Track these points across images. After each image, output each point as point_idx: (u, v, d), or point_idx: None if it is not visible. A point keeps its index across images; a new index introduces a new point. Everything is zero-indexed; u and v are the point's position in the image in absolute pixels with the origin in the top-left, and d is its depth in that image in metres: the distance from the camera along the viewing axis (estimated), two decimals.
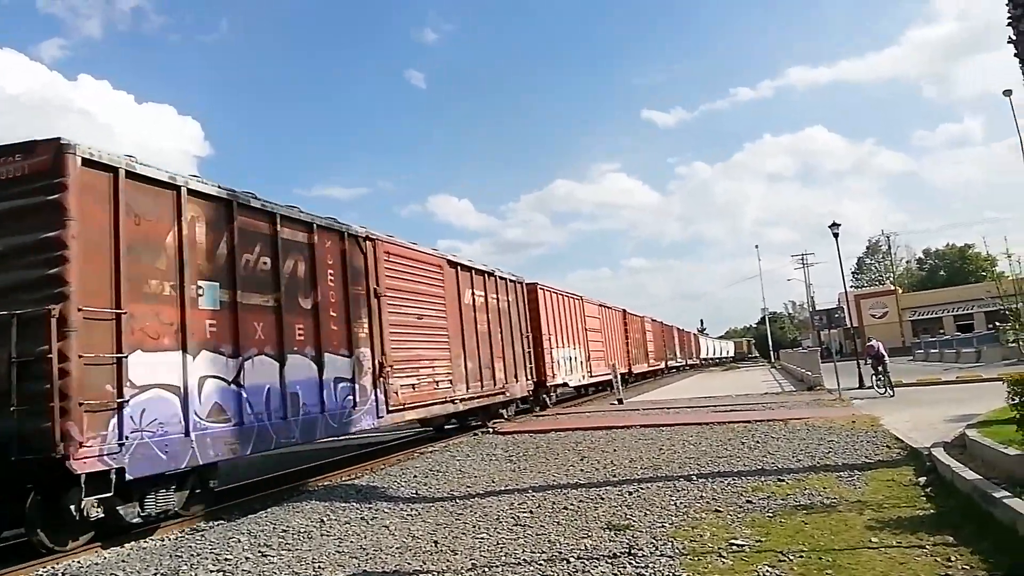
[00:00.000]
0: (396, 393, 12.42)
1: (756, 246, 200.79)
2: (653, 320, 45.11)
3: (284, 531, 7.12)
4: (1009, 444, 6.74)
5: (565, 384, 23.81)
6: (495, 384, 17.16)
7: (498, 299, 18.28)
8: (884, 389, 18.12)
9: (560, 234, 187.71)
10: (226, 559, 6.18)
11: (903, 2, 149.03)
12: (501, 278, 18.94)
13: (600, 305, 30.36)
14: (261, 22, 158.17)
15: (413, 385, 13.11)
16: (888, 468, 8.02)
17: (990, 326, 40.11)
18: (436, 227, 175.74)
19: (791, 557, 4.93)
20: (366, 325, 11.94)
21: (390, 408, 12.15)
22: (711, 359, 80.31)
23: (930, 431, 9.90)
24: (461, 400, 15.14)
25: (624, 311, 35.17)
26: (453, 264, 16.03)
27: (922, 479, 7.24)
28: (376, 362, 11.99)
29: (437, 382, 14.16)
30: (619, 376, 25.17)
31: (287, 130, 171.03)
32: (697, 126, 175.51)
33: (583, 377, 26.10)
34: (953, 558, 4.63)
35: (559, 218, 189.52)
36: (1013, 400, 6.65)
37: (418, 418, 13.85)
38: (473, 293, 16.72)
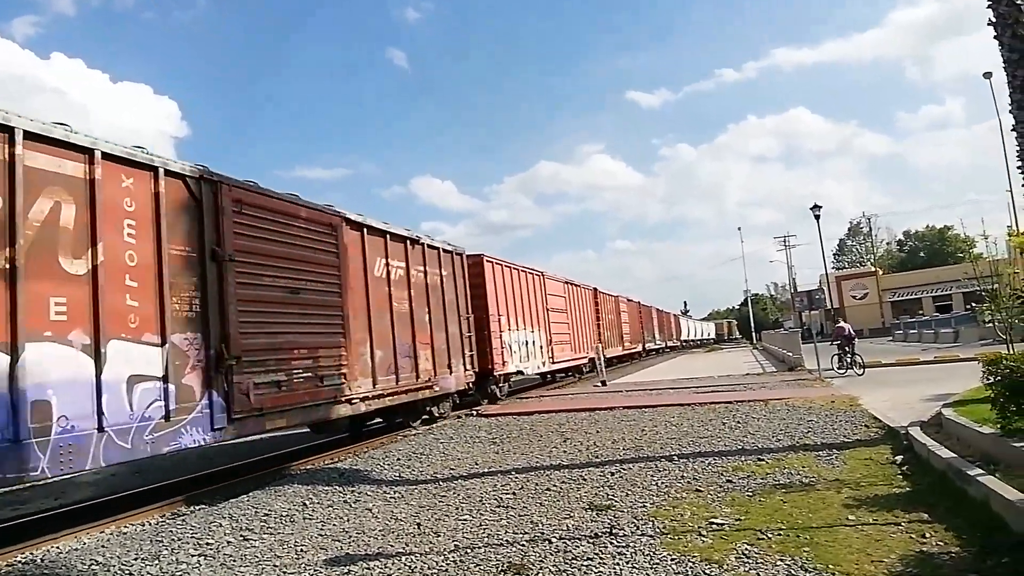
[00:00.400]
0: (248, 394, 9.02)
1: (739, 228, 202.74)
2: (629, 300, 42.17)
3: (266, 515, 7.10)
4: (983, 423, 6.86)
5: (520, 373, 20.84)
6: (417, 377, 13.67)
7: (426, 272, 14.74)
8: (852, 368, 18.96)
9: (545, 216, 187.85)
10: (207, 543, 6.15)
11: None
12: (432, 247, 15.45)
13: (566, 283, 27.32)
14: None
15: (279, 383, 9.68)
16: (865, 447, 8.13)
17: (967, 307, 40.75)
18: (419, 209, 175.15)
19: (769, 535, 5.00)
20: (196, 300, 8.50)
21: (236, 414, 8.75)
22: (692, 341, 79.04)
23: (907, 410, 10.04)
24: (363, 399, 11.53)
25: (595, 290, 32.58)
26: (357, 225, 12.31)
27: (898, 458, 7.35)
28: (212, 352, 8.55)
29: (322, 377, 10.54)
30: (603, 358, 25.32)
31: (267, 110, 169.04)
32: (682, 107, 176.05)
33: (543, 364, 23.15)
34: (928, 534, 4.71)
35: (544, 200, 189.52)
36: (988, 380, 6.75)
37: (288, 425, 10.16)
38: (388, 264, 13.16)
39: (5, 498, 9.50)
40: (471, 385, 16.85)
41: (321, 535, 6.22)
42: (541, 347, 22.86)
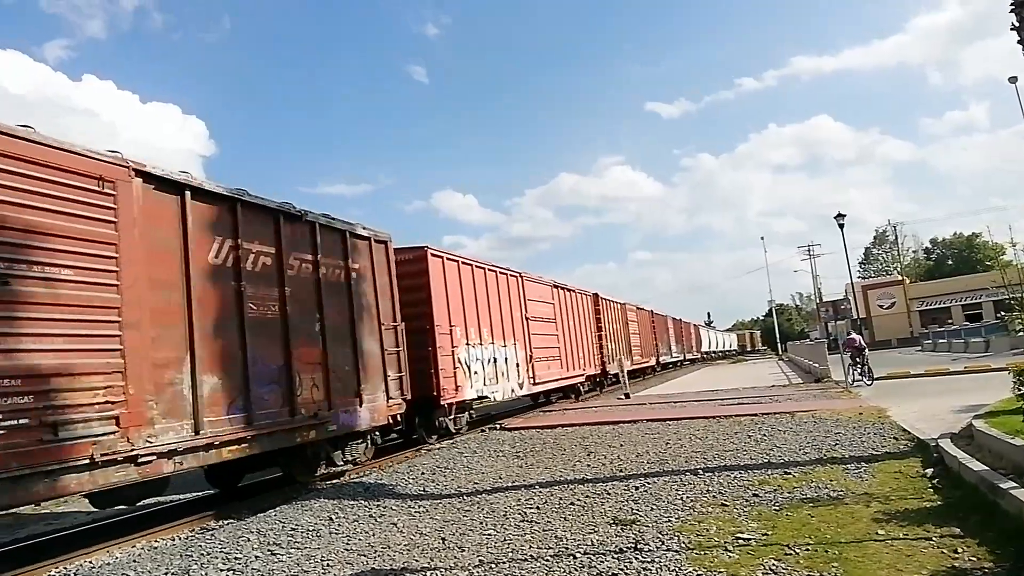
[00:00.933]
0: None
1: (762, 238, 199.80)
2: (640, 309, 37.45)
3: (293, 529, 7.17)
4: (1016, 434, 6.73)
5: (483, 399, 16.53)
6: (293, 412, 9.45)
7: (318, 263, 10.52)
8: (864, 379, 19.21)
9: (566, 228, 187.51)
10: (236, 558, 6.24)
11: None
12: (331, 228, 11.07)
13: (555, 287, 23.09)
14: (263, 19, 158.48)
15: None
16: (895, 460, 8.00)
17: (998, 316, 39.94)
18: (441, 223, 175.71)
19: (797, 551, 4.94)
20: None
21: None
22: (714, 352, 73.82)
23: (937, 422, 9.87)
24: (168, 454, 7.38)
25: (596, 295, 28.18)
26: (167, 184, 8.08)
27: (929, 470, 7.22)
28: None
29: (55, 425, 6.25)
30: (625, 372, 25.20)
31: (291, 127, 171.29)
32: (702, 117, 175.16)
33: (520, 386, 18.67)
34: (960, 549, 4.63)
35: (564, 212, 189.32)
36: (1019, 390, 6.63)
37: None
38: (239, 247, 8.92)
39: (39, 514, 9.70)
40: (400, 418, 12.50)
41: (347, 550, 6.26)
42: (518, 365, 18.60)
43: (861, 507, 6.01)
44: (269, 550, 6.44)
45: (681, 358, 49.87)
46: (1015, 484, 5.47)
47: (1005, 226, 44.76)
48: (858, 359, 19.76)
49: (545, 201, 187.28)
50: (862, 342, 20.68)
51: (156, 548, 7.19)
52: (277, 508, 8.46)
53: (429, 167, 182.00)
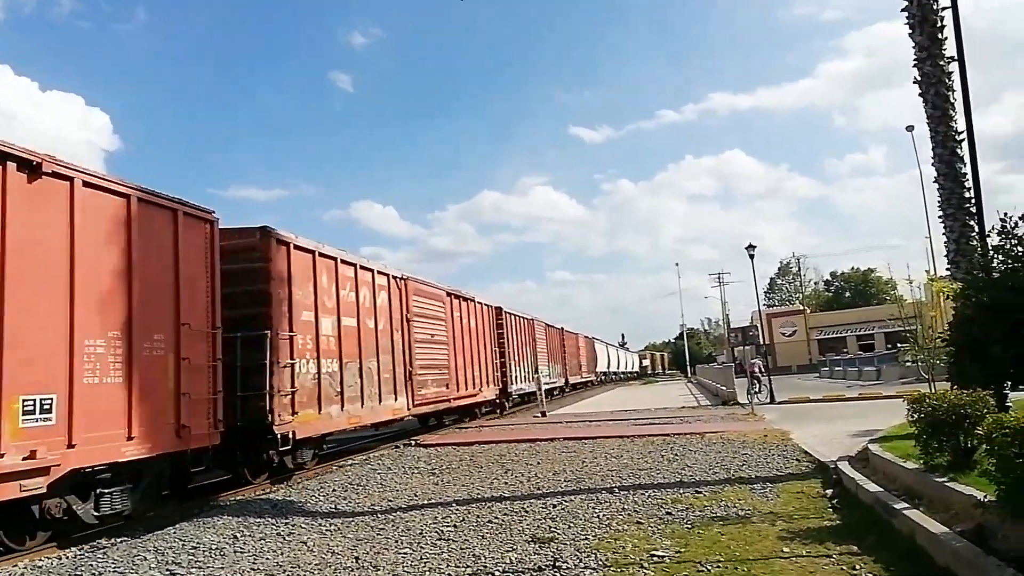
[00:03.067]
0: None
1: (676, 264, 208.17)
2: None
3: (194, 548, 6.79)
4: (908, 458, 7.17)
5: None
6: None
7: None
8: (758, 396, 22.11)
9: (487, 245, 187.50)
10: None
11: (818, 37, 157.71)
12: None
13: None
14: (180, 14, 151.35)
15: None
16: (798, 480, 8.38)
17: (889, 346, 42.71)
18: (360, 233, 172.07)
19: (709, 567, 5.07)
20: None
21: None
22: (612, 374, 63.45)
23: (836, 445, 10.41)
24: None
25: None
26: None
27: (829, 491, 7.60)
28: None
29: None
30: (542, 389, 25.37)
31: (204, 128, 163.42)
32: (623, 144, 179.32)
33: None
34: (858, 566, 4.87)
35: (486, 229, 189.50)
36: (912, 417, 7.08)
37: None
38: None
39: None
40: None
41: (254, 569, 5.98)
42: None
43: (767, 525, 6.24)
44: (168, 570, 6.07)
45: (561, 380, 36.62)
46: (907, 505, 5.83)
47: (900, 263, 48.31)
48: (755, 382, 22.86)
49: (467, 216, 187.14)
50: (760, 368, 24.49)
51: (41, 568, 6.64)
52: (176, 525, 8.00)
53: (349, 177, 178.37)
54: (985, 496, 4.76)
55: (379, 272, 15.54)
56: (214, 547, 6.81)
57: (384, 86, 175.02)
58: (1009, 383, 4.80)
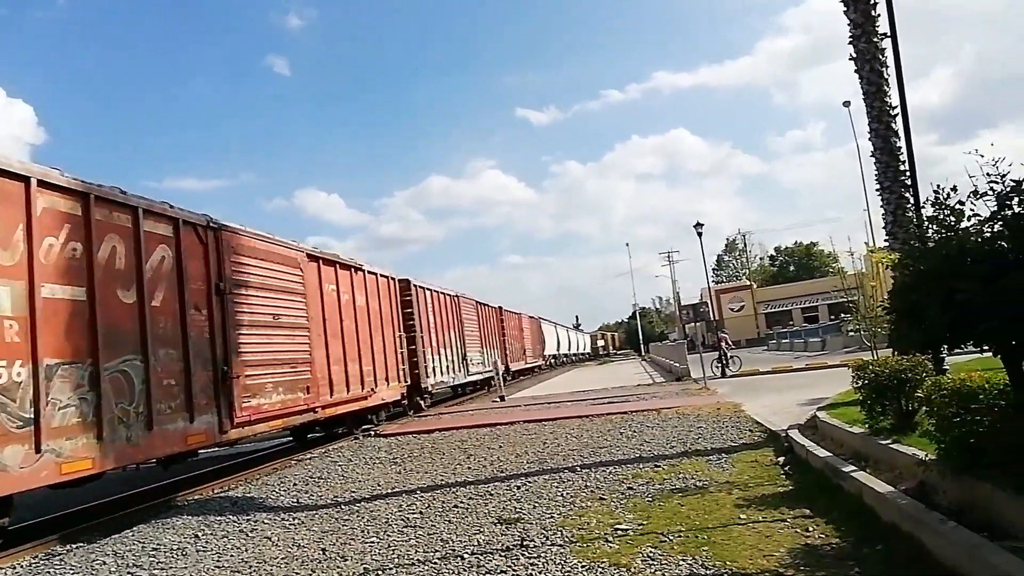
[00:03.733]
0: None
1: (627, 244, 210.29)
2: (482, 304, 29.83)
3: (155, 549, 6.67)
4: (854, 423, 7.49)
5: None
6: None
7: None
8: (733, 369, 23.83)
9: (438, 230, 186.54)
10: None
11: (756, 15, 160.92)
12: None
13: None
14: None
15: None
16: (751, 450, 8.67)
17: (832, 317, 44.24)
18: (305, 222, 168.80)
19: (671, 537, 5.24)
20: None
21: None
22: (563, 356, 59.75)
23: (785, 415, 10.78)
24: None
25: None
26: None
27: (781, 459, 7.89)
28: None
29: None
30: (500, 373, 25.50)
31: (135, 118, 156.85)
32: (570, 126, 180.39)
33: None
34: (811, 528, 5.10)
35: (435, 214, 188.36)
36: (856, 384, 7.39)
37: None
38: None
39: None
40: None
41: (218, 567, 5.91)
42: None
43: (724, 495, 6.46)
44: (129, 572, 5.95)
45: (487, 366, 28.20)
46: (854, 467, 6.10)
47: (841, 235, 50.00)
48: (725, 355, 24.16)
49: (415, 202, 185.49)
50: (729, 341, 26.17)
51: None
52: (134, 528, 7.83)
53: (291, 164, 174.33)
54: (926, 455, 5.02)
55: (148, 212, 9.49)
56: (175, 547, 6.69)
57: (323, 69, 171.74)
58: (945, 347, 5.05)
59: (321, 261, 14.79)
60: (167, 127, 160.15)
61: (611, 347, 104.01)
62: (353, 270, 16.53)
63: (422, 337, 20.48)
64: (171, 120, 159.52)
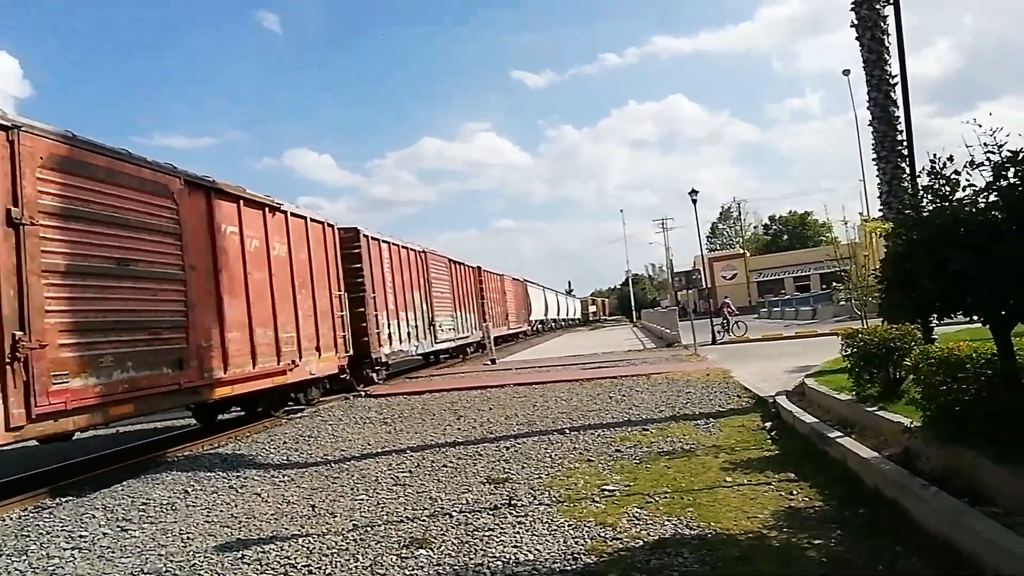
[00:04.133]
0: None
1: (621, 210, 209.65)
2: (455, 261, 26.50)
3: (144, 504, 6.71)
4: (841, 391, 7.55)
5: None
6: None
7: None
8: (738, 333, 24.92)
9: (429, 193, 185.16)
10: (81, 536, 5.75)
11: None
12: None
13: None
14: None
15: None
16: (739, 415, 8.76)
17: (823, 287, 44.44)
18: (295, 182, 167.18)
19: (657, 499, 5.30)
20: None
21: None
22: (551, 321, 57.23)
23: (774, 381, 10.88)
24: None
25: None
26: None
27: (768, 424, 7.98)
28: None
29: None
30: (491, 337, 25.56)
31: (122, 73, 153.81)
32: (566, 89, 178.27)
33: None
34: (795, 491, 5.16)
35: (428, 176, 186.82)
36: (845, 352, 7.43)
37: None
38: None
39: None
40: None
41: (208, 522, 5.96)
42: None
43: (711, 458, 6.53)
44: (119, 526, 5.99)
45: (463, 334, 26.37)
46: (840, 433, 6.17)
47: (835, 205, 49.87)
48: (728, 319, 25.65)
49: (407, 164, 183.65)
50: (732, 307, 27.15)
51: None
52: (124, 483, 7.86)
53: (281, 123, 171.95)
54: (911, 422, 5.06)
55: None
56: (165, 502, 6.74)
57: (314, 26, 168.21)
58: (935, 315, 5.07)
59: (214, 193, 11.11)
60: (155, 83, 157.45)
61: (602, 313, 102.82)
62: (267, 209, 12.69)
63: (374, 298, 17.15)
64: (159, 76, 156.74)
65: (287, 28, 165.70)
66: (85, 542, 5.59)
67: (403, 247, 20.35)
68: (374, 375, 17.38)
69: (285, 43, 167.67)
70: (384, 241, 18.78)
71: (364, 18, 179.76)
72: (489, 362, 22.84)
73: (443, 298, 23.76)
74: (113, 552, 5.30)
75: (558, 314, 61.44)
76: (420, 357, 23.01)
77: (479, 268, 30.74)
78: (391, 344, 18.32)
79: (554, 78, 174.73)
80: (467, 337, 25.52)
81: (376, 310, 17.27)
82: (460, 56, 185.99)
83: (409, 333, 19.76)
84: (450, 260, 25.59)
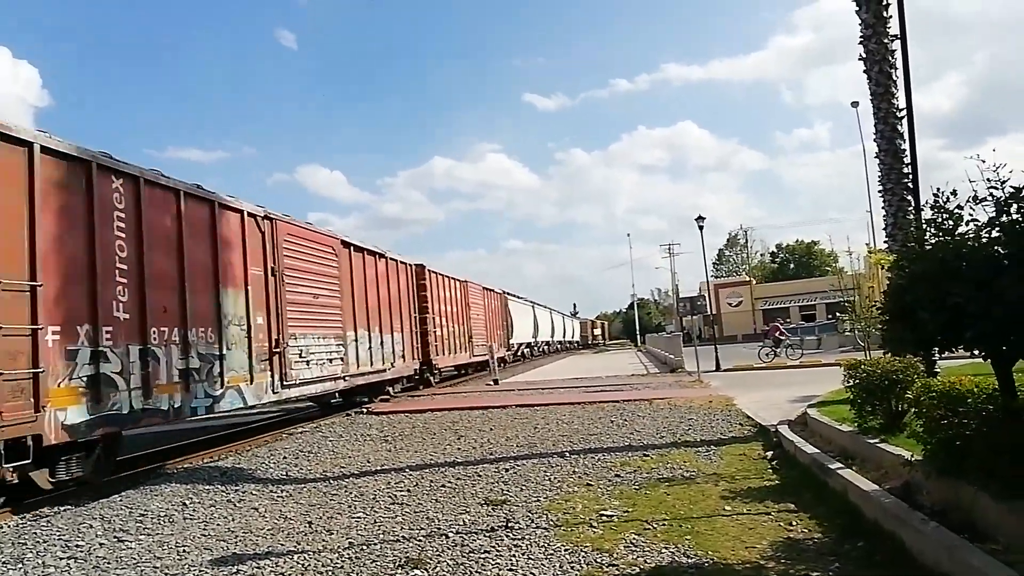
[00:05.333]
0: None
1: (628, 234, 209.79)
2: (435, 272, 22.62)
3: (142, 515, 6.71)
4: (843, 422, 7.53)
5: None
6: None
7: None
8: (786, 353, 25.13)
9: (438, 212, 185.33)
10: (77, 545, 5.75)
11: (768, 10, 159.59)
12: None
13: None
14: None
15: None
16: (740, 443, 8.71)
17: (829, 316, 44.29)
18: (307, 198, 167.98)
19: (655, 525, 5.28)
20: None
21: None
22: (543, 344, 48.25)
23: (776, 410, 10.82)
24: None
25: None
26: None
27: (769, 453, 7.94)
28: None
29: None
30: (494, 357, 25.52)
31: (141, 85, 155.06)
32: (577, 113, 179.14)
33: None
34: (795, 522, 5.13)
35: (438, 196, 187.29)
36: (848, 383, 7.41)
37: None
38: None
39: None
40: None
41: (204, 535, 5.95)
42: None
43: (711, 486, 6.50)
44: (115, 536, 5.99)
45: (466, 359, 25.18)
46: (841, 465, 6.14)
47: (841, 236, 49.83)
48: (779, 343, 25.66)
49: (418, 183, 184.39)
50: (783, 330, 27.17)
51: None
52: (122, 493, 7.87)
53: (294, 140, 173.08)
54: (912, 455, 5.05)
55: None
56: (163, 514, 6.74)
57: (331, 46, 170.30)
58: (937, 348, 5.07)
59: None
60: (172, 97, 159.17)
61: (604, 337, 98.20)
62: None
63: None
64: (176, 89, 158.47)
65: (303, 46, 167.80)
66: (81, 552, 5.59)
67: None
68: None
69: (302, 62, 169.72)
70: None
71: (379, 39, 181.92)
72: (492, 382, 22.81)
73: (328, 306, 14.78)
74: (109, 563, 5.29)
75: (552, 335, 53.90)
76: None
77: (424, 268, 21.97)
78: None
79: (565, 102, 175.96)
80: (375, 370, 17.12)
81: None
82: (472, 77, 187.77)
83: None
84: (369, 252, 17.58)
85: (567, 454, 8.48)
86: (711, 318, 38.28)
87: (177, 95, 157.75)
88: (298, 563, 4.92)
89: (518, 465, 8.03)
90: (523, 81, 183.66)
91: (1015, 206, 4.14)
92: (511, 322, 36.65)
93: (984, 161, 4.31)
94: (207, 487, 7.98)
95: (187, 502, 7.22)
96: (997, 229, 4.20)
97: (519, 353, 40.67)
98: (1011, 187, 4.18)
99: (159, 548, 5.59)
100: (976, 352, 4.45)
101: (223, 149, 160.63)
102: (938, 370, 7.62)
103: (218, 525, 6.26)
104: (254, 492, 7.62)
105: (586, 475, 7.31)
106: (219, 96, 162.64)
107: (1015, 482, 3.82)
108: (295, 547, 5.36)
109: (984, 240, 4.27)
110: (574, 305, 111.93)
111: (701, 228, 26.87)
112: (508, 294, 37.18)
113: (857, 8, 9.70)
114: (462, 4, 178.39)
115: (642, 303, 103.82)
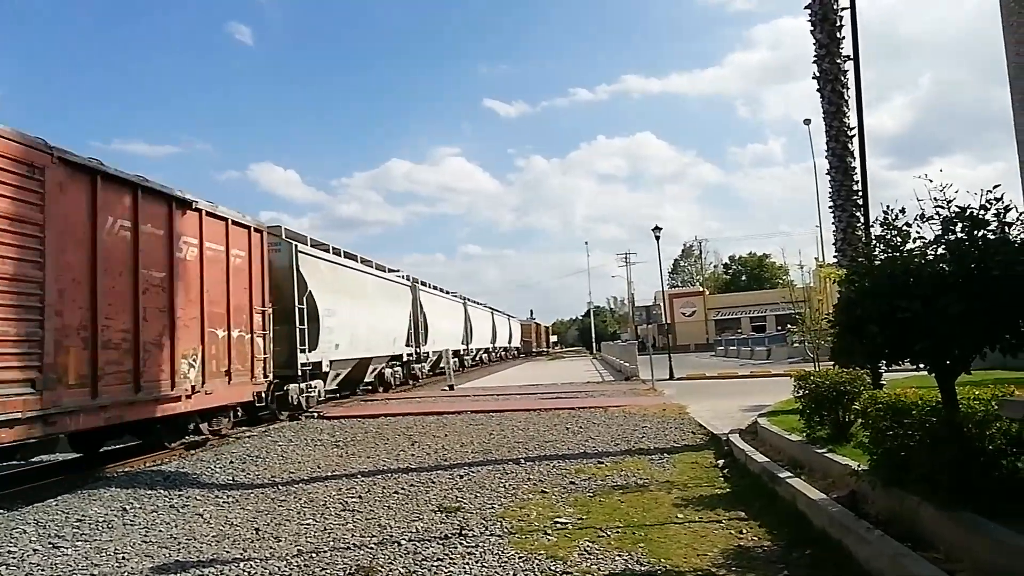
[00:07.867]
0: None
1: (586, 242, 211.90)
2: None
3: (79, 521, 6.45)
4: (793, 431, 7.68)
5: None
6: None
7: None
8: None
9: (396, 214, 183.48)
10: (9, 552, 5.48)
11: (727, 27, 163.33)
12: None
13: None
14: None
15: None
16: (692, 452, 8.82)
17: (779, 328, 45.37)
18: (259, 196, 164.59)
19: (609, 533, 5.29)
20: None
21: None
22: (434, 354, 29.14)
23: (728, 419, 10.99)
24: None
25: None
26: None
27: (720, 461, 8.05)
28: None
29: None
30: (451, 362, 25.38)
31: (84, 76, 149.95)
32: (538, 121, 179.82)
33: None
34: (744, 530, 5.21)
35: (396, 198, 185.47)
36: (797, 393, 7.57)
37: None
38: None
39: None
40: None
41: (145, 542, 5.74)
42: None
43: (663, 494, 6.56)
44: (51, 543, 5.73)
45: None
46: (790, 474, 6.26)
47: (793, 249, 51.24)
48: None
49: (375, 185, 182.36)
50: None
51: None
52: (59, 498, 7.56)
53: (247, 136, 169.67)
54: (859, 465, 5.17)
55: None
56: (101, 520, 6.49)
57: (288, 42, 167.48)
58: (884, 361, 5.21)
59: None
60: (118, 89, 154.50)
61: (544, 344, 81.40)
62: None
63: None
64: (122, 82, 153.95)
65: (260, 42, 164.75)
66: (13, 559, 5.34)
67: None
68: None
69: (257, 57, 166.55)
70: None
71: (338, 36, 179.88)
72: (448, 387, 22.66)
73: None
74: (43, 570, 5.06)
75: (467, 342, 37.92)
76: None
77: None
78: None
79: (526, 109, 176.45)
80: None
81: None
82: (432, 80, 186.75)
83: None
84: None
85: (522, 461, 8.47)
86: (666, 327, 38.83)
87: (124, 87, 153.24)
88: (244, 571, 4.77)
89: (473, 472, 7.97)
90: (484, 86, 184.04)
91: (959, 225, 4.29)
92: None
93: (931, 180, 4.46)
94: (149, 492, 7.71)
95: (127, 507, 6.97)
96: (943, 247, 4.35)
97: (477, 359, 40.48)
98: (956, 207, 4.33)
99: (97, 555, 5.37)
100: (921, 365, 4.59)
101: (173, 143, 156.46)
102: (884, 382, 7.84)
103: (160, 531, 6.05)
104: (199, 497, 7.40)
105: (541, 482, 7.30)
106: (169, 88, 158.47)
107: (956, 493, 3.93)
108: (241, 555, 5.20)
109: (930, 257, 4.41)
110: (531, 311, 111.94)
111: (658, 238, 27.24)
112: (390, 271, 24.98)
113: (812, 28, 9.99)
114: (422, 6, 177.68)
115: (598, 311, 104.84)
